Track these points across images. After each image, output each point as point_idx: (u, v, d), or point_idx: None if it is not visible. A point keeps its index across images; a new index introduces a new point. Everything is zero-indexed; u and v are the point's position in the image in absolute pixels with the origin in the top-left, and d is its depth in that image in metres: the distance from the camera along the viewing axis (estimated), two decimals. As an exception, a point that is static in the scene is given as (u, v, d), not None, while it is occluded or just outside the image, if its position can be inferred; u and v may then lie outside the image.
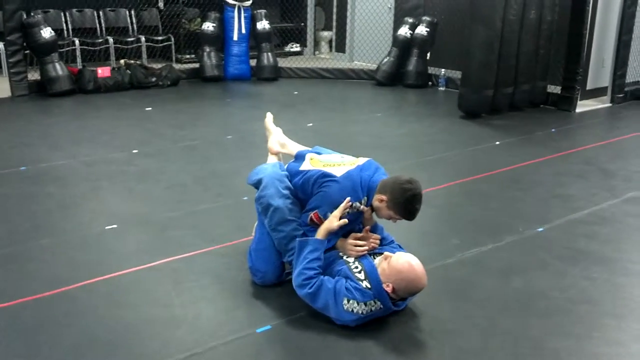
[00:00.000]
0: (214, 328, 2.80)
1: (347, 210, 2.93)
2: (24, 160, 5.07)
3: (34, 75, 7.64)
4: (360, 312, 2.73)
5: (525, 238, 3.84)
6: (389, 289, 2.75)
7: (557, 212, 4.27)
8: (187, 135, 6.04)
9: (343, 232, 3.03)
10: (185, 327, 2.82)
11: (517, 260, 3.54)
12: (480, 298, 3.14)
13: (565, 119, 7.08)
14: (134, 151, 5.42)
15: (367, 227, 3.08)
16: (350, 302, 2.73)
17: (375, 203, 2.96)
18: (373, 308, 2.75)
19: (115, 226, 3.86)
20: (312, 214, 3.00)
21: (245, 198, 4.28)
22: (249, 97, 8.12)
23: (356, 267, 2.86)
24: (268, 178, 3.11)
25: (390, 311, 2.82)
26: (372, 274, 2.79)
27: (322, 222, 2.96)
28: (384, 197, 2.91)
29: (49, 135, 5.86)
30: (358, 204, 2.97)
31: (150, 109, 7.06)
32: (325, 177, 3.01)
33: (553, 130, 6.54)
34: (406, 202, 2.88)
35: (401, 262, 2.78)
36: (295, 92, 8.10)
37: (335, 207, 2.93)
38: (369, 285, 2.76)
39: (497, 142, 5.99)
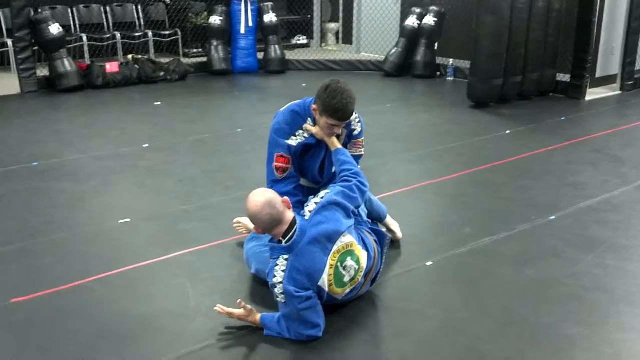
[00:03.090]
0: (228, 320, 2.80)
1: (301, 136, 2.96)
2: (35, 156, 5.09)
3: (42, 72, 7.66)
4: (280, 284, 2.61)
5: (538, 226, 3.84)
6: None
7: (568, 200, 4.26)
8: (197, 129, 6.05)
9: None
10: (200, 318, 2.83)
11: (529, 249, 3.54)
12: (494, 286, 3.15)
13: (574, 107, 7.05)
14: (144, 146, 5.44)
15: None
16: (275, 280, 2.63)
17: (315, 117, 2.94)
18: (278, 269, 2.63)
19: (128, 220, 3.88)
20: (274, 163, 3.02)
21: (256, 190, 4.29)
22: (257, 90, 8.12)
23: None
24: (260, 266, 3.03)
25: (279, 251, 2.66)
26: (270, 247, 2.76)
27: (288, 162, 2.99)
28: (315, 106, 2.89)
29: (59, 131, 5.89)
30: (307, 125, 3.00)
31: (159, 103, 7.08)
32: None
33: (563, 118, 6.51)
34: (330, 98, 2.81)
35: None
36: (304, 85, 8.09)
37: (287, 134, 2.97)
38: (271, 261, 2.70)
39: (507, 131, 5.97)
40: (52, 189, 4.44)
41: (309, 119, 2.99)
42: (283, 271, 2.60)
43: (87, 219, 3.96)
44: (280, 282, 2.60)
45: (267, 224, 2.61)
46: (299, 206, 2.92)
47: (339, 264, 2.69)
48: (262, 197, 2.61)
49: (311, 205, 2.74)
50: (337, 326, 2.74)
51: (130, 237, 3.69)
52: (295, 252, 2.61)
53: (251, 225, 3.41)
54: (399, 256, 3.44)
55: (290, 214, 2.66)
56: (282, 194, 2.93)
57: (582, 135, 5.89)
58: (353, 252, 2.74)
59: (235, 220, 3.55)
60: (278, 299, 2.64)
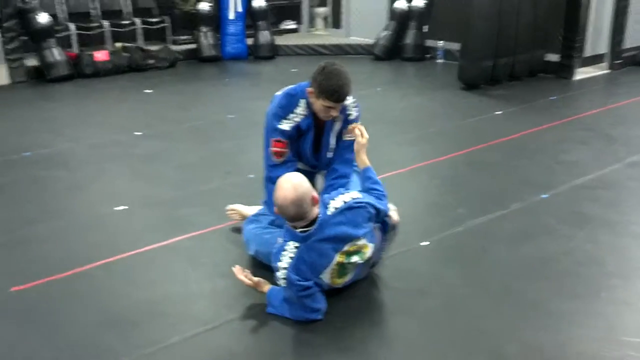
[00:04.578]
0: (230, 302, 2.85)
1: (293, 120, 2.98)
2: (29, 146, 5.08)
3: (32, 62, 7.61)
4: (283, 269, 2.64)
5: (532, 204, 3.89)
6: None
7: (561, 178, 4.31)
8: (189, 116, 6.06)
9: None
10: (203, 302, 2.87)
11: (524, 227, 3.60)
12: (491, 264, 3.20)
13: (564, 86, 7.10)
14: (138, 133, 5.44)
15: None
16: (280, 264, 2.65)
17: (310, 100, 2.94)
18: (287, 254, 2.64)
19: (125, 207, 3.90)
20: (272, 148, 3.03)
21: (252, 175, 4.31)
22: (247, 76, 8.12)
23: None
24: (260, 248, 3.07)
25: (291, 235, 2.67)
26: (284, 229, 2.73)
27: (285, 146, 2.99)
28: (311, 89, 2.90)
29: (51, 120, 5.87)
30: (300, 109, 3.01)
31: (150, 91, 7.06)
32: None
33: (553, 98, 6.56)
34: (325, 80, 2.81)
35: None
36: (294, 70, 8.09)
37: (282, 117, 2.97)
38: (280, 241, 2.71)
39: (498, 112, 6.01)
40: (47, 177, 4.45)
41: (304, 100, 3.00)
42: (291, 258, 2.62)
43: (84, 206, 3.97)
44: (285, 268, 2.62)
45: (290, 217, 2.60)
46: None
47: (345, 260, 2.72)
48: (294, 192, 2.54)
49: (338, 201, 2.71)
50: (338, 306, 2.78)
51: (128, 224, 3.72)
52: (307, 244, 2.62)
53: (245, 212, 3.45)
54: (396, 237, 3.48)
55: (315, 211, 2.62)
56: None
57: (573, 114, 5.94)
58: (362, 251, 2.78)
59: (229, 208, 3.57)
60: (279, 282, 2.67)
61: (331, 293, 2.79)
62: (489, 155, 4.82)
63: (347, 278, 2.80)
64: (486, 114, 5.98)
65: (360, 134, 2.98)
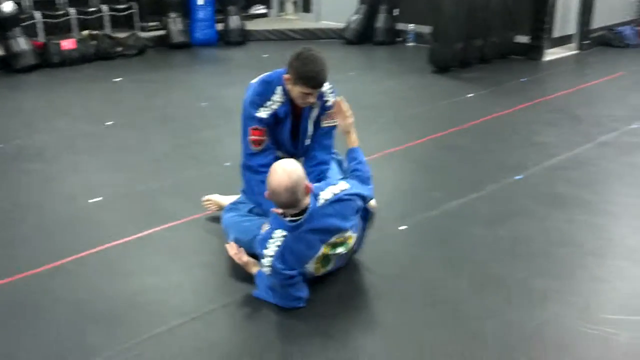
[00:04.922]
0: (211, 293, 2.85)
1: (270, 107, 2.97)
2: (-2, 138, 4.99)
3: (-4, 52, 7.45)
4: (269, 257, 2.62)
5: (506, 186, 3.94)
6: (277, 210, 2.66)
7: (534, 159, 4.37)
8: (161, 104, 5.99)
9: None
10: (183, 293, 2.86)
11: (500, 208, 3.64)
12: (468, 246, 3.24)
13: (534, 68, 7.17)
14: (110, 123, 5.36)
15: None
16: (262, 262, 2.66)
17: (287, 87, 2.94)
18: (273, 242, 2.63)
19: (99, 199, 3.85)
20: (250, 137, 3.01)
21: (228, 164, 4.29)
22: (218, 62, 8.04)
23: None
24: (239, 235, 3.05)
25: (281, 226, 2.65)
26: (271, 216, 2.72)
27: (262, 134, 2.98)
28: (288, 75, 2.90)
29: (20, 111, 5.76)
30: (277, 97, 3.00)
31: (119, 79, 6.96)
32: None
33: (523, 79, 6.63)
34: (302, 66, 2.81)
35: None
36: (265, 55, 8.04)
37: (258, 105, 2.96)
38: (267, 227, 2.70)
39: (470, 95, 6.06)
40: (19, 170, 4.37)
41: (280, 87, 2.99)
42: (277, 246, 2.61)
43: (58, 199, 3.91)
44: (271, 256, 2.61)
45: (282, 204, 2.59)
46: None
47: (330, 252, 2.73)
48: (288, 179, 2.52)
49: (327, 192, 2.70)
50: (320, 293, 2.79)
51: (104, 216, 3.67)
52: (295, 234, 2.61)
53: (222, 202, 3.44)
54: (373, 222, 3.50)
55: (307, 201, 2.61)
56: (261, 166, 2.96)
57: (543, 95, 6.01)
58: (347, 242, 2.79)
59: (204, 198, 3.55)
60: (264, 269, 2.67)
61: (313, 280, 2.80)
62: (462, 138, 4.86)
63: (330, 267, 2.81)
64: (458, 96, 6.01)
65: (345, 111, 2.98)
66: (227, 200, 3.44)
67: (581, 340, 2.47)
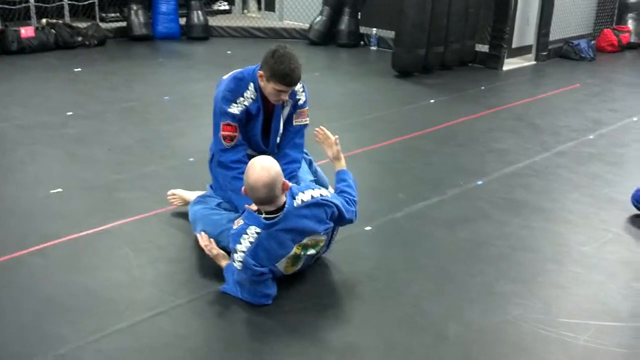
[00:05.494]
0: (176, 287, 2.83)
1: (242, 104, 2.98)
2: (-48, 125, 4.85)
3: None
4: (241, 252, 2.64)
5: (467, 191, 4.02)
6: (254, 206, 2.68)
7: (493, 165, 4.47)
8: (122, 96, 5.90)
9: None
10: (147, 287, 2.84)
11: (461, 212, 3.71)
12: (431, 248, 3.30)
13: (493, 76, 7.32)
14: (69, 114, 5.26)
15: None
16: (234, 256, 2.68)
17: (261, 84, 2.95)
18: (247, 238, 2.64)
19: (60, 190, 3.78)
20: (221, 132, 3.01)
21: (192, 159, 4.27)
22: (181, 57, 7.96)
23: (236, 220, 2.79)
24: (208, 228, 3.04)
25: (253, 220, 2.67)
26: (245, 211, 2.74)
27: (235, 130, 2.99)
28: (262, 72, 2.91)
29: (-25, 99, 5.61)
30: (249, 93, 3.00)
31: (79, 69, 6.84)
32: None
33: (483, 87, 6.76)
34: (277, 64, 2.82)
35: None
36: (229, 52, 8.00)
37: (230, 101, 2.96)
38: (240, 222, 2.70)
39: (432, 100, 6.15)
40: (-26, 159, 4.26)
41: (253, 84, 2.99)
42: (250, 242, 2.62)
43: (16, 190, 3.83)
44: (243, 252, 2.62)
45: (259, 200, 2.59)
46: None
47: (301, 252, 2.75)
48: (267, 175, 2.53)
49: (306, 195, 2.71)
50: (288, 291, 2.81)
51: (65, 208, 3.61)
52: (269, 232, 2.62)
53: (187, 197, 3.42)
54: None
55: (283, 199, 2.63)
56: (233, 162, 2.96)
57: (502, 103, 6.14)
58: (318, 245, 2.82)
59: (169, 193, 3.53)
60: (235, 264, 2.67)
61: (282, 278, 2.81)
62: (424, 142, 4.94)
63: (299, 267, 2.83)
64: (420, 101, 6.10)
65: (332, 139, 3.05)
66: (192, 195, 3.42)
67: (540, 343, 2.55)
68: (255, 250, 2.62)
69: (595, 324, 2.68)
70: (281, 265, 2.72)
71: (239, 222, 2.71)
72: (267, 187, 2.54)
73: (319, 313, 2.71)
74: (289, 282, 2.85)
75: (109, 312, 2.64)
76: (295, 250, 2.72)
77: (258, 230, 2.62)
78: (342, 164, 3.08)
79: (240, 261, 2.63)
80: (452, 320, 2.68)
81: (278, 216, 2.62)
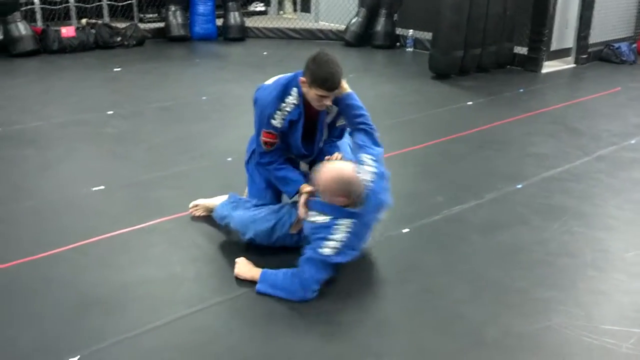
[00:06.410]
0: (216, 285, 2.84)
1: (284, 110, 3.01)
2: (-4, 122, 4.96)
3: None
4: (339, 242, 2.75)
5: (505, 195, 3.97)
6: (337, 201, 2.79)
7: (532, 170, 4.41)
8: (160, 96, 5.97)
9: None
10: (188, 284, 2.86)
11: (498, 216, 3.67)
12: (468, 252, 3.26)
13: (531, 79, 7.23)
14: (109, 112, 5.35)
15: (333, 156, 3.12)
16: (325, 244, 2.75)
17: (303, 90, 2.97)
18: (343, 229, 2.76)
19: (102, 187, 3.84)
20: (262, 138, 3.06)
21: (230, 159, 4.29)
22: (217, 57, 8.03)
23: (313, 215, 2.86)
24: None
25: (366, 221, 2.86)
26: (320, 206, 2.84)
27: (275, 138, 3.05)
28: (304, 78, 2.93)
29: (17, 97, 5.72)
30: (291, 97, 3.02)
31: (119, 69, 6.94)
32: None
33: (521, 90, 6.68)
34: (317, 69, 2.84)
35: (323, 172, 2.81)
36: (265, 53, 8.04)
37: (273, 108, 3.00)
38: (325, 218, 2.79)
39: (469, 103, 6.09)
40: (16, 156, 4.35)
41: (296, 90, 2.99)
42: (348, 232, 2.76)
43: (55, 186, 3.90)
44: (341, 241, 2.75)
45: (356, 196, 2.78)
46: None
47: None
48: (357, 175, 2.79)
49: (368, 165, 2.91)
50: (323, 291, 2.81)
51: (104, 205, 3.66)
52: (361, 219, 2.80)
53: (209, 204, 3.45)
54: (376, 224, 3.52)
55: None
56: (269, 163, 3.06)
57: (540, 107, 6.06)
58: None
59: (191, 205, 3.54)
60: (323, 251, 2.73)
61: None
62: (460, 145, 4.89)
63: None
64: (457, 104, 6.05)
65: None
66: (214, 201, 3.44)
67: (582, 350, 2.50)
68: (351, 239, 2.77)
69: (638, 331, 2.62)
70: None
71: (318, 219, 2.80)
72: (360, 185, 2.78)
73: (355, 314, 2.69)
74: (326, 282, 2.85)
75: (148, 309, 2.66)
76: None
77: (351, 221, 2.77)
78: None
79: (334, 247, 2.74)
80: (491, 325, 2.64)
81: (361, 204, 2.80)
